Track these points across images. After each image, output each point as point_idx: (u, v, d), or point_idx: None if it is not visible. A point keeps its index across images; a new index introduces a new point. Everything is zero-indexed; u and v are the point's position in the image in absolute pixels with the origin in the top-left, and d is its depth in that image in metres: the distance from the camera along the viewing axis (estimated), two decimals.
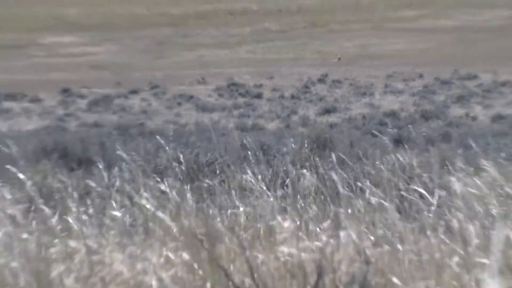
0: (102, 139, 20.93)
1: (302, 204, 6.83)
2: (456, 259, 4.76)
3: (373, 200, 6.15)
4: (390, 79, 61.90)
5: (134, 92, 59.20)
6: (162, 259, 4.98)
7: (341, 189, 6.76)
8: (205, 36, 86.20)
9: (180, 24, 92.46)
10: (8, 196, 6.92)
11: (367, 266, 4.53)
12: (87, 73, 66.77)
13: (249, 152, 11.50)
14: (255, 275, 4.36)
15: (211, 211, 7.03)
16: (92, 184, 8.12)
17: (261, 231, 5.22)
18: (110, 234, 5.91)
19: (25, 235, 5.55)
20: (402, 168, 9.71)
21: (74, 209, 6.60)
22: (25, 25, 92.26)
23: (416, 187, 6.96)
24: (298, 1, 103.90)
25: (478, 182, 6.17)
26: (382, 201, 6.16)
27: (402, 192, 7.29)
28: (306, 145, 15.37)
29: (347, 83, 60.47)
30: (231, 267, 4.41)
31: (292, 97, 56.47)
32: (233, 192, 7.08)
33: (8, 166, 7.70)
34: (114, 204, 6.97)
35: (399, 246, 5.00)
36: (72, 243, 5.24)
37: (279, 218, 5.84)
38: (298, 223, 5.64)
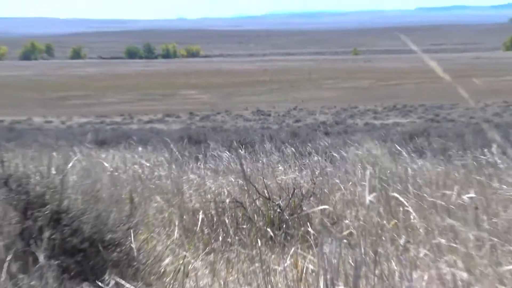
0: (205, 132, 21.03)
1: (286, 159, 6.57)
2: (350, 183, 4.52)
3: (316, 158, 5.95)
4: (322, 108, 61.26)
5: (218, 113, 58.88)
6: (229, 181, 4.84)
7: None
8: (247, 91, 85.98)
9: (238, 86, 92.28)
10: (166, 155, 6.79)
11: (314, 185, 4.35)
12: (199, 106, 66.74)
13: (265, 138, 11.41)
14: (267, 189, 4.19)
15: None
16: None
17: (269, 170, 5.04)
18: (207, 172, 5.76)
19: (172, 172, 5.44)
20: (327, 145, 9.52)
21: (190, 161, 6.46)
22: (173, 86, 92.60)
23: (333, 153, 6.72)
24: (285, 77, 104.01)
25: (359, 152, 6.02)
26: (319, 158, 6.01)
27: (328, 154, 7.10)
28: (287, 135, 15.33)
29: (305, 110, 60.05)
30: (257, 185, 4.21)
31: (283, 115, 56.29)
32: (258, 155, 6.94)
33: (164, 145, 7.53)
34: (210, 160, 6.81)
35: (327, 178, 4.80)
36: (192, 176, 5.18)
37: (278, 165, 5.72)
38: (284, 167, 5.50)
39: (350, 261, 2.61)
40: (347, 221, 3.84)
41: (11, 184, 3.47)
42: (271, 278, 2.96)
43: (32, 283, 3.04)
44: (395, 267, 2.54)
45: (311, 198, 4.15)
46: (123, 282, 2.91)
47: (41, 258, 3.08)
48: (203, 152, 8.03)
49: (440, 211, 3.42)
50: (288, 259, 3.08)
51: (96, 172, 4.06)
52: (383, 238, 3.22)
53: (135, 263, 3.46)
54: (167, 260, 3.47)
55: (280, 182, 4.45)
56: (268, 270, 2.97)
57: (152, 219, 4.05)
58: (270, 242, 3.77)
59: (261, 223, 3.95)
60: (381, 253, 2.64)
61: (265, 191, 4.12)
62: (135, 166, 5.56)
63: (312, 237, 3.53)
